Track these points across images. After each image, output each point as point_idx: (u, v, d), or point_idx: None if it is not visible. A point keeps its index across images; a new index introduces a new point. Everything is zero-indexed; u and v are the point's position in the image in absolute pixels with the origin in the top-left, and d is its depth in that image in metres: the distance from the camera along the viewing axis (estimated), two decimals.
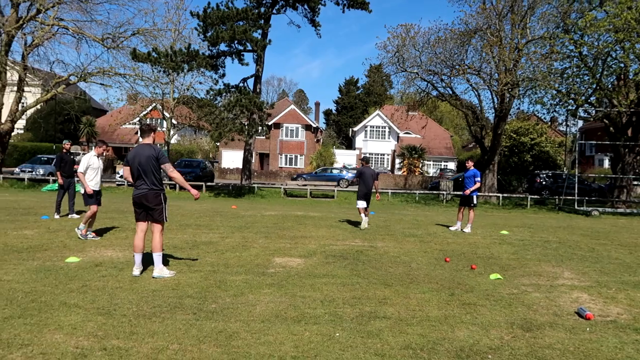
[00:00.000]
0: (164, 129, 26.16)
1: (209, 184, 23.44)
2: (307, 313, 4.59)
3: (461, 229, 11.11)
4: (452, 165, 50.08)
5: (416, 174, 41.61)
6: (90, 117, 44.58)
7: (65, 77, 26.16)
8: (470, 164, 11.41)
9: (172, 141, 47.48)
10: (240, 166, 28.85)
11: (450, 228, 11.38)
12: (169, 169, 5.95)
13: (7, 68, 24.20)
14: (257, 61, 22.99)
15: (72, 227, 9.51)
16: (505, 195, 23.26)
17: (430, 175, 42.77)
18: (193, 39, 25.44)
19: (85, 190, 8.71)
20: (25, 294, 4.87)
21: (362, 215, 11.05)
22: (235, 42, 20.10)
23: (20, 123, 48.97)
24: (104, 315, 4.30)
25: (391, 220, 13.14)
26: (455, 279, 6.26)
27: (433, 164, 50.98)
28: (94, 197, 8.72)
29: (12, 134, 47.71)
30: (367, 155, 52.17)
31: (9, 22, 23.28)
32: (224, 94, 20.35)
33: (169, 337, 3.87)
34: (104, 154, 9.71)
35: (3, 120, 25.38)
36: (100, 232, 8.87)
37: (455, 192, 23.04)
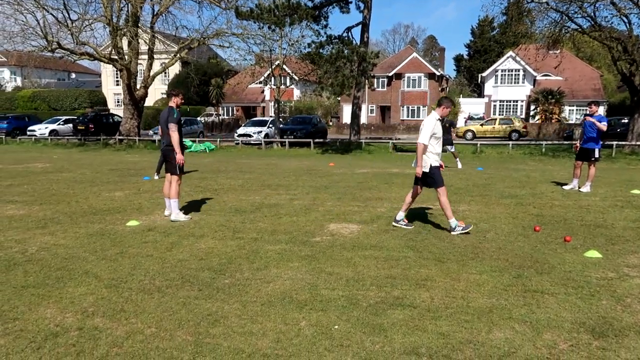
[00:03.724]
0: (273, 87, 26.43)
1: (317, 140, 23.33)
2: (320, 295, 3.97)
3: (578, 188, 9.31)
4: (600, 110, 43.60)
5: (553, 121, 36.99)
6: (218, 79, 47.17)
7: (187, 42, 27.71)
8: (594, 108, 9.37)
9: (295, 98, 48.70)
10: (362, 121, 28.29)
11: (565, 187, 9.61)
12: (171, 128, 6.64)
13: (138, 37, 26.27)
14: (362, 8, 21.73)
15: (160, 188, 9.93)
16: None
17: (572, 122, 37.76)
18: None
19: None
20: (62, 259, 5.00)
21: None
22: None
23: (164, 88, 54.15)
24: (110, 288, 4.17)
25: (496, 177, 11.60)
26: (534, 254, 5.08)
27: (577, 110, 44.93)
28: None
29: (157, 98, 53.18)
30: (498, 102, 47.87)
31: None
32: (327, 46, 19.63)
33: (153, 318, 3.57)
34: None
35: (138, 87, 28.00)
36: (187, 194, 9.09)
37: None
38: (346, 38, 20.32)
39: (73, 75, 69.29)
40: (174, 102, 6.83)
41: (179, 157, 6.70)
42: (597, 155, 9.25)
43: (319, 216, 7.05)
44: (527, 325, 3.40)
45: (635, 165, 15.46)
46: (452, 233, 5.91)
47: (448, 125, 14.36)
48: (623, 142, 19.47)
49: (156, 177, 11.67)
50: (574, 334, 3.25)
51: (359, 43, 21.06)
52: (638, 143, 19.02)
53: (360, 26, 21.89)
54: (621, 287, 4.11)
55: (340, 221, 6.72)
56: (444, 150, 12.97)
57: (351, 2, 20.95)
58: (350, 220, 6.79)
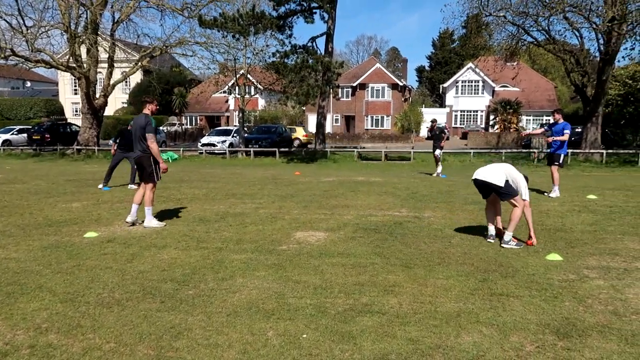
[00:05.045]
0: (238, 96, 26.24)
1: (282, 149, 23.25)
2: (288, 304, 3.89)
3: (547, 194, 9.57)
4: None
5: (511, 130, 38.20)
6: (181, 88, 46.48)
7: (149, 50, 27.18)
8: (557, 116, 9.68)
9: (259, 107, 48.45)
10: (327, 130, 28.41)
11: (547, 194, 9.77)
12: (150, 138, 6.51)
13: (97, 45, 25.54)
14: (327, 19, 21.90)
15: (122, 198, 9.62)
16: (611, 151, 20.30)
17: (529, 131, 39.08)
18: (264, 1, 24.87)
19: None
20: (13, 274, 4.72)
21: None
22: None
23: (124, 97, 52.91)
24: (66, 303, 3.95)
25: (460, 184, 11.82)
26: (498, 259, 5.16)
27: (533, 120, 46.60)
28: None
29: (117, 107, 51.85)
30: (459, 112, 49.12)
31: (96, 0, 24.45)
32: (292, 55, 19.65)
33: (112, 333, 3.39)
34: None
35: (97, 96, 27.22)
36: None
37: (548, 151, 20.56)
38: (311, 48, 20.43)
39: (28, 84, 66.76)
40: (148, 109, 6.71)
41: (162, 165, 6.75)
42: (560, 160, 9.57)
43: (285, 224, 6.96)
44: (494, 328, 3.42)
45: (589, 172, 16.10)
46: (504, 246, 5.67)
47: (439, 132, 14.60)
48: (577, 150, 20.25)
49: (133, 187, 11.25)
50: (539, 336, 3.29)
51: (323, 53, 21.19)
52: (591, 151, 19.83)
53: (324, 36, 22.06)
54: (582, 289, 4.21)
55: (307, 229, 6.65)
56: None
57: (315, 13, 21.10)
58: (317, 228, 6.74)
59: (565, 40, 20.91)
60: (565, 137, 9.48)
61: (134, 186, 11.35)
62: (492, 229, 6.05)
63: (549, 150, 10.08)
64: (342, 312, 3.72)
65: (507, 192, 5.71)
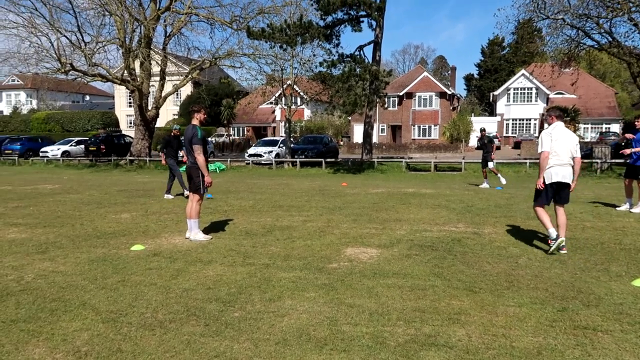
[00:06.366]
0: (284, 107, 26.26)
1: (328, 160, 22.97)
2: (342, 332, 3.52)
3: (629, 208, 8.74)
4: (615, 128, 42.87)
5: None
6: (229, 100, 47.32)
7: (199, 63, 27.75)
8: (639, 123, 8.83)
9: (305, 117, 48.59)
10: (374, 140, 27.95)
11: (618, 208, 9.01)
12: (196, 150, 6.37)
13: (150, 59, 26.31)
14: (374, 27, 21.56)
15: (170, 210, 9.59)
16: None
17: (587, 140, 37.09)
18: (311, 11, 24.85)
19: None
20: (59, 289, 4.61)
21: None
22: (348, 7, 18.94)
23: (175, 109, 54.51)
24: (108, 323, 3.75)
25: (519, 197, 11.09)
26: (576, 283, 4.58)
27: (592, 127, 44.28)
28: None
29: (169, 119, 53.45)
30: (510, 120, 47.44)
31: (149, 15, 25.26)
32: (339, 64, 19.41)
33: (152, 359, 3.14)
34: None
35: (149, 108, 28.02)
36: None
37: (614, 161, 19.22)
38: (358, 56, 20.11)
39: (87, 98, 70.22)
40: (196, 118, 6.54)
41: (207, 179, 6.50)
42: None
43: (335, 240, 6.61)
44: None
45: None
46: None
47: (487, 141, 13.92)
48: None
49: (170, 197, 11.32)
50: None
51: (371, 61, 20.83)
52: None
53: (372, 45, 21.69)
54: None
55: (358, 245, 6.27)
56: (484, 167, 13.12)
57: (363, 22, 20.77)
58: (368, 244, 6.34)
59: (633, 42, 19.60)
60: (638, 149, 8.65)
61: (170, 196, 11.36)
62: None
63: (628, 162, 9.14)
64: (403, 344, 3.31)
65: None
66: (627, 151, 8.90)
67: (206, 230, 7.17)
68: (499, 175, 13.93)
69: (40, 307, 4.11)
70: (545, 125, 5.99)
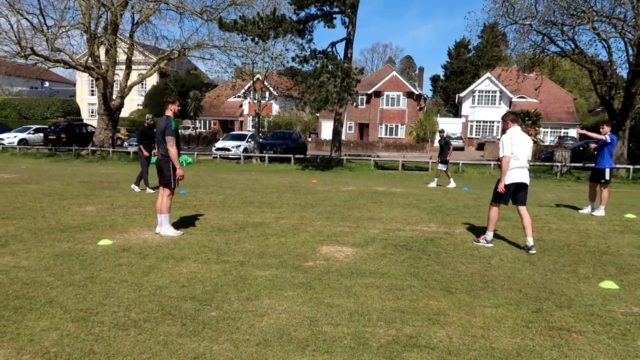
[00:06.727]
0: (254, 101, 25.98)
1: (297, 156, 22.88)
2: (323, 333, 3.48)
3: (591, 212, 9.03)
4: (573, 132, 44.49)
5: None
6: (197, 92, 46.46)
7: (167, 53, 27.06)
8: (606, 128, 9.11)
9: (274, 113, 48.23)
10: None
11: (580, 211, 9.31)
12: (169, 142, 6.19)
13: (116, 46, 25.43)
14: (347, 24, 21.57)
15: (138, 203, 9.31)
16: (638, 167, 19.63)
17: (546, 144, 38.40)
18: (284, 5, 24.62)
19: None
20: (22, 285, 4.37)
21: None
22: (322, 3, 18.88)
23: (140, 99, 53.10)
24: (78, 322, 3.59)
25: (485, 198, 11.31)
26: (547, 284, 4.70)
27: (551, 132, 45.85)
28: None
29: (133, 109, 52.02)
30: (475, 122, 48.56)
31: (116, 1, 24.38)
32: (311, 60, 19.33)
33: None
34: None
35: (114, 97, 27.12)
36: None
37: (573, 164, 19.95)
38: (331, 53, 20.09)
39: (47, 84, 67.43)
40: (170, 109, 6.35)
41: (179, 171, 6.34)
42: (606, 177, 8.97)
43: (309, 237, 6.56)
44: None
45: (616, 188, 15.46)
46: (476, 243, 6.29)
47: (443, 143, 14.21)
48: (612, 165, 19.58)
49: (149, 191, 10.93)
50: None
51: (343, 58, 20.85)
52: (617, 166, 19.18)
53: (344, 42, 21.73)
54: None
55: (333, 243, 6.25)
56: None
57: (335, 18, 20.76)
58: (343, 242, 6.33)
59: (595, 51, 20.32)
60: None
61: (150, 190, 11.04)
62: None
63: (593, 166, 9.47)
64: (386, 345, 3.30)
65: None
66: (593, 135, 9.27)
67: (176, 226, 6.98)
68: (442, 178, 14.38)
69: (2, 305, 3.89)
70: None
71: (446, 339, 3.42)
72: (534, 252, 5.89)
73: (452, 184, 14.05)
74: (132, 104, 52.48)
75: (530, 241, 5.97)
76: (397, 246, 6.13)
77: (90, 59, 24.39)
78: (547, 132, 45.70)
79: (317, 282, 4.62)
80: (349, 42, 21.80)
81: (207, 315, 3.79)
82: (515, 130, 6.11)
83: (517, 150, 5.98)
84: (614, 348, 3.32)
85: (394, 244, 6.23)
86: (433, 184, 14.24)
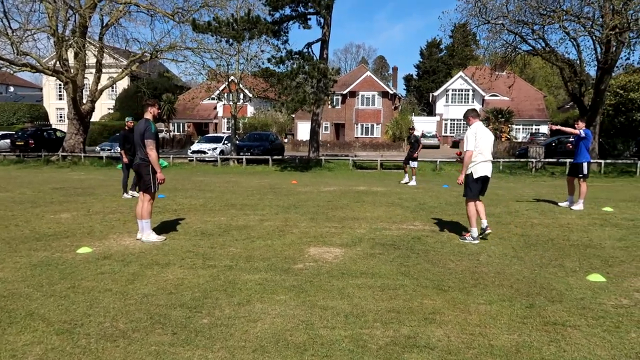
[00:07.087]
0: (229, 103, 25.70)
1: (275, 157, 22.74)
2: (320, 337, 3.40)
3: (570, 206, 9.18)
4: (544, 129, 45.55)
5: (502, 139, 38.15)
6: (170, 94, 45.74)
7: (139, 55, 26.53)
8: (581, 124, 9.25)
9: (249, 114, 47.81)
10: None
11: (560, 204, 9.47)
12: (149, 145, 6.04)
13: (86, 49, 24.79)
14: (322, 24, 21.55)
15: (115, 209, 9.05)
16: (608, 161, 20.19)
17: (519, 140, 39.17)
18: (258, 6, 24.42)
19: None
20: (0, 298, 4.16)
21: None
22: (296, 3, 18.80)
23: (111, 103, 51.94)
24: (63, 335, 3.42)
25: None
26: (537, 279, 4.73)
27: (523, 128, 46.79)
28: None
29: (104, 113, 50.86)
30: (449, 120, 49.23)
31: (85, 3, 23.76)
32: (287, 61, 19.22)
33: None
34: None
35: (84, 101, 26.42)
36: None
37: (547, 160, 20.38)
38: (307, 54, 20.02)
39: (11, 89, 65.22)
40: (150, 112, 6.21)
41: (159, 175, 6.19)
42: (584, 171, 9.14)
43: (295, 239, 6.47)
44: None
45: (590, 182, 15.83)
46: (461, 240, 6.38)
47: (414, 140, 14.33)
48: (589, 159, 20.07)
49: (126, 196, 10.62)
50: None
51: (318, 59, 20.80)
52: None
53: (320, 42, 21.69)
54: None
55: (320, 244, 6.17)
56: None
57: (310, 19, 20.72)
58: (330, 243, 6.26)
59: (563, 48, 20.81)
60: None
61: (136, 194, 10.73)
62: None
63: (572, 160, 9.65)
64: (385, 346, 3.25)
65: None
66: (567, 130, 9.51)
67: (158, 231, 6.79)
68: (413, 177, 14.49)
69: None
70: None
71: (444, 338, 3.39)
72: (490, 231, 6.41)
73: (413, 182, 14.21)
74: (103, 107, 51.21)
75: (484, 223, 6.41)
76: (385, 245, 6.10)
77: (58, 62, 23.70)
78: (519, 129, 46.58)
79: (309, 285, 4.54)
80: (324, 42, 21.79)
81: (199, 322, 3.67)
82: (478, 125, 6.40)
83: (481, 144, 6.24)
84: (610, 341, 3.34)
85: (381, 244, 6.19)
86: (413, 182, 14.31)
